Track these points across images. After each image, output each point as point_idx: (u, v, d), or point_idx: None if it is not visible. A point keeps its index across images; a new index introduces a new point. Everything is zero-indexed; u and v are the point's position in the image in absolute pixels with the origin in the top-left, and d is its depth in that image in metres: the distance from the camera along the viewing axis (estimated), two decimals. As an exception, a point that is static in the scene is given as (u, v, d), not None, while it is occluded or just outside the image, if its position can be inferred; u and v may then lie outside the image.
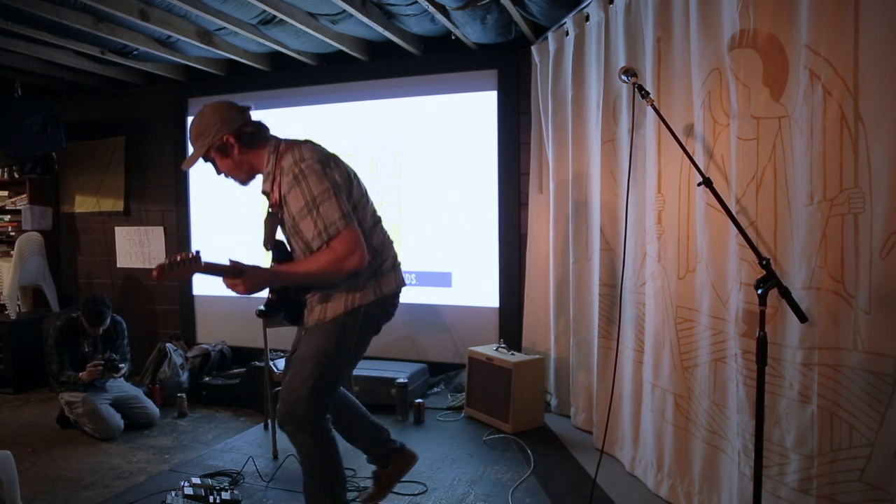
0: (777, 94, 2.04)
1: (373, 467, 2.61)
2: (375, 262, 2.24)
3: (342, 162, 2.26)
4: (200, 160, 2.24)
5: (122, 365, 3.76)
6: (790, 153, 2.01)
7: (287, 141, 2.21)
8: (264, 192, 2.23)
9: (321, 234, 2.05)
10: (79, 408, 3.60)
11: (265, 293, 2.31)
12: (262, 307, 2.32)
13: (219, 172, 2.26)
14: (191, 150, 2.25)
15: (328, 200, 2.06)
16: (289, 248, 2.30)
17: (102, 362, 3.65)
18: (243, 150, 2.17)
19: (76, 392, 3.65)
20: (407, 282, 2.44)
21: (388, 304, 2.30)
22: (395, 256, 2.35)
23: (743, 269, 2.11)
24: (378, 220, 2.33)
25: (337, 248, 2.05)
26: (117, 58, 4.37)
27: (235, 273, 2.07)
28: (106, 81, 5.14)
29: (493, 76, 4.26)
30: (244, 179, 2.26)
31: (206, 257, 2.05)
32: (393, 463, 2.57)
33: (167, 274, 1.99)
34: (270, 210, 2.21)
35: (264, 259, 2.34)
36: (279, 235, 2.32)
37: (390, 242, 2.36)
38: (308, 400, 2.13)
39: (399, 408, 3.76)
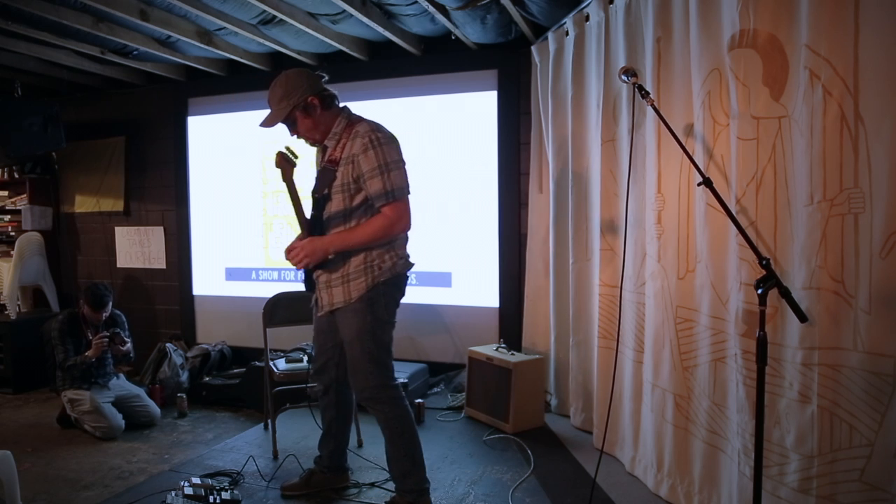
0: (777, 94, 2.04)
1: (312, 465, 2.86)
2: (398, 243, 2.50)
3: None
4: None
5: (127, 339, 3.78)
6: (790, 153, 2.01)
7: (355, 113, 2.52)
8: (324, 147, 2.49)
9: (387, 194, 2.35)
10: (82, 405, 3.60)
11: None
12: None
13: (293, 133, 2.49)
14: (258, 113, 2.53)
15: (398, 170, 2.38)
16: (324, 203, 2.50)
17: (108, 335, 3.67)
18: (323, 112, 2.43)
19: (80, 390, 3.66)
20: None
21: (402, 280, 2.54)
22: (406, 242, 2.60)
23: (743, 269, 2.11)
24: None
25: (389, 214, 2.37)
26: (117, 58, 4.37)
27: (307, 227, 2.45)
28: (106, 81, 5.15)
29: (493, 76, 4.26)
30: (320, 139, 2.49)
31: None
32: (333, 474, 2.82)
33: (279, 158, 2.45)
34: (327, 166, 2.44)
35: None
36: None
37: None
38: (372, 371, 2.43)
39: (399, 408, 3.75)
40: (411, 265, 2.55)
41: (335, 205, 2.43)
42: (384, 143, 2.36)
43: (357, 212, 2.43)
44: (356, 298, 2.41)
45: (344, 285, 2.43)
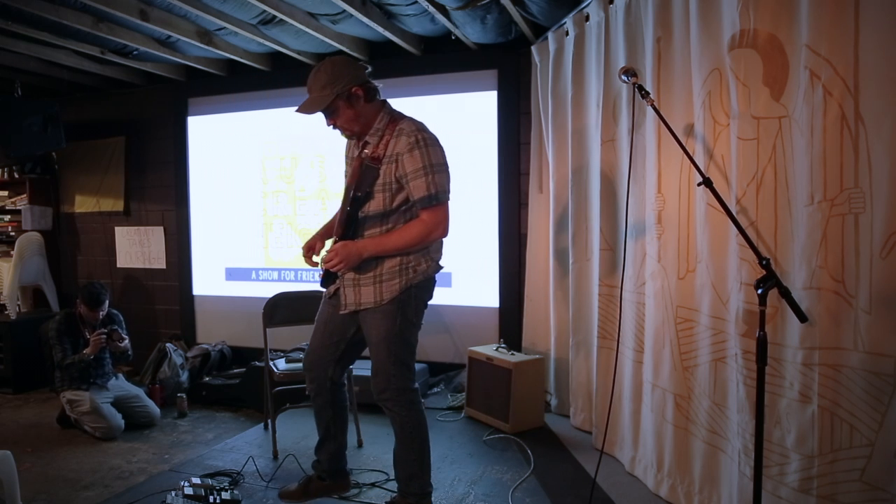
0: (777, 94, 2.04)
1: (311, 472, 2.77)
2: (434, 247, 2.45)
3: None
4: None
5: (125, 335, 3.78)
6: (790, 153, 2.01)
7: (396, 110, 2.44)
8: (364, 142, 2.39)
9: (431, 197, 2.28)
10: (81, 406, 3.60)
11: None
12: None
13: (330, 123, 2.37)
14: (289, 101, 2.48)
15: (442, 173, 2.31)
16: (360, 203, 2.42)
17: (105, 332, 3.67)
18: (366, 104, 2.33)
19: (79, 391, 3.66)
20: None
21: (432, 283, 2.50)
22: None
23: (743, 269, 2.11)
24: None
25: (428, 220, 2.31)
26: (117, 58, 4.37)
27: (342, 224, 2.36)
28: (106, 81, 5.14)
29: (493, 76, 4.26)
30: (360, 132, 2.38)
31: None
32: (333, 480, 2.72)
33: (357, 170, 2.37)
34: (370, 164, 2.34)
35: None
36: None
37: None
38: (395, 374, 2.38)
39: (399, 408, 3.75)
40: (441, 268, 2.49)
41: (374, 204, 2.35)
42: (430, 144, 2.30)
43: (395, 213, 2.36)
44: (387, 301, 2.35)
45: (375, 286, 2.36)
